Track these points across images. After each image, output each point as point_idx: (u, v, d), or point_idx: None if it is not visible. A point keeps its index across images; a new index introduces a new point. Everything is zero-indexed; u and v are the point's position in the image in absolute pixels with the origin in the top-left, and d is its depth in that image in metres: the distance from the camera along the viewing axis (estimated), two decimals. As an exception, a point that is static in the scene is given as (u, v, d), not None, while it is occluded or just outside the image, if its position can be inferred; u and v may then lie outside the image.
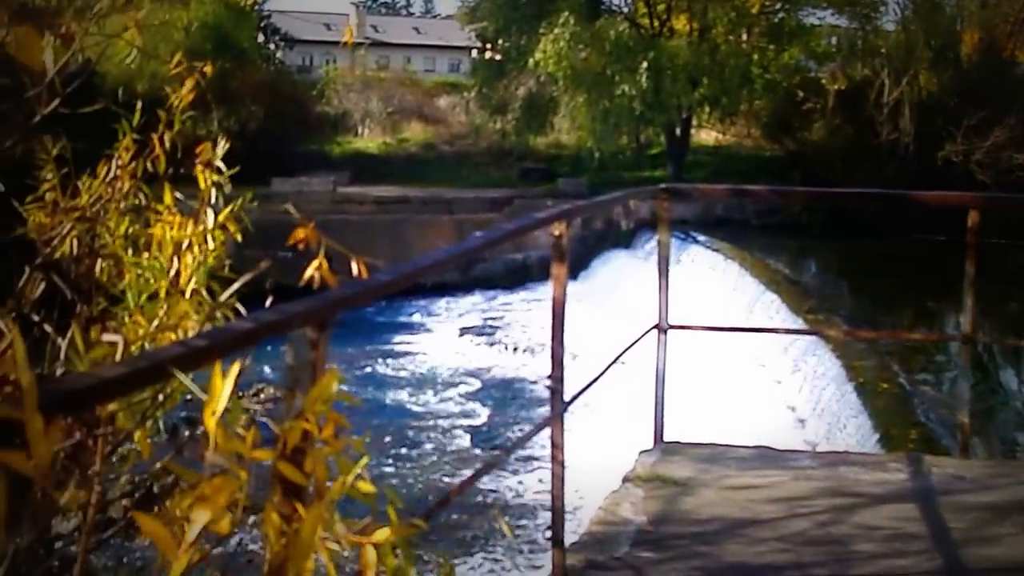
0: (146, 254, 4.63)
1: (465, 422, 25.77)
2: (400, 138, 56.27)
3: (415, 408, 27.05)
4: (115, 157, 4.87)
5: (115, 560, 5.44)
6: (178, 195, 4.74)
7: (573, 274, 32.37)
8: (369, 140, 56.32)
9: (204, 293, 4.51)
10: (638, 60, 42.03)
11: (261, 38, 59.94)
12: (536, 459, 20.54)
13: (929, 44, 43.23)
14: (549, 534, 5.89)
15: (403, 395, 28.12)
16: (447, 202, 43.80)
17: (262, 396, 4.74)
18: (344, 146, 54.63)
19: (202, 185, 4.73)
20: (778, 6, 46.79)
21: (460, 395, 28.20)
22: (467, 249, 6.15)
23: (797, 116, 44.83)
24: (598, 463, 17.04)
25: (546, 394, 6.03)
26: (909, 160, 39.60)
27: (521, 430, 24.71)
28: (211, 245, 4.62)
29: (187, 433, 4.06)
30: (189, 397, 4.40)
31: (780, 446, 9.00)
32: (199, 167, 4.78)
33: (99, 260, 4.77)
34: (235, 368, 2.46)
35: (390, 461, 22.18)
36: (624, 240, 39.87)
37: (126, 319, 4.41)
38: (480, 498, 19.44)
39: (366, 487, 2.57)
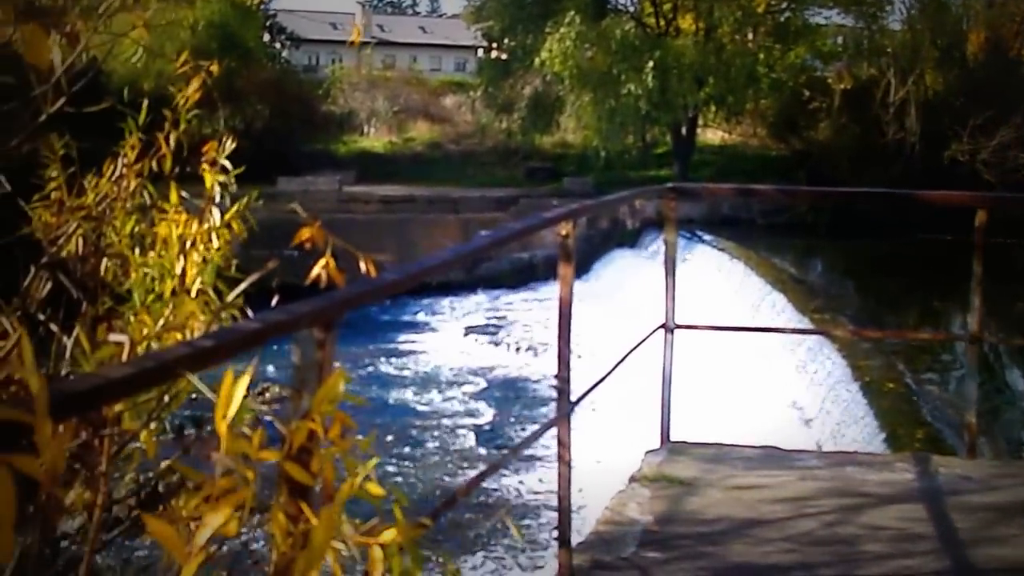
0: (152, 253, 4.63)
1: (470, 421, 25.74)
2: (406, 137, 56.29)
3: (420, 407, 27.01)
4: (121, 156, 4.86)
5: (119, 559, 5.43)
6: (183, 194, 4.73)
7: (578, 273, 32.38)
8: (375, 139, 56.33)
9: (211, 293, 4.50)
10: (644, 59, 42.01)
11: (267, 37, 59.95)
12: (540, 459, 20.50)
13: (935, 43, 43.18)
14: (554, 534, 5.88)
15: (408, 394, 28.07)
16: (453, 201, 43.81)
17: (267, 395, 4.73)
18: (350, 145, 54.65)
19: (207, 184, 4.73)
20: (784, 5, 46.74)
21: (465, 394, 28.16)
22: (474, 249, 6.15)
23: (803, 115, 44.77)
24: (604, 462, 17.06)
25: (552, 393, 6.03)
26: (915, 159, 39.55)
27: (523, 428, 24.72)
28: (216, 244, 4.61)
29: (193, 433, 4.05)
30: (194, 396, 4.40)
31: (786, 446, 9.00)
32: (205, 166, 4.78)
33: (105, 259, 4.76)
34: (248, 373, 2.46)
35: (394, 460, 22.16)
36: (629, 239, 39.85)
37: (131, 318, 4.40)
38: (484, 498, 19.42)
39: (375, 489, 2.56)
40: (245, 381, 2.39)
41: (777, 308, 24.91)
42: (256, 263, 4.40)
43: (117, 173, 4.86)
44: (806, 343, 21.59)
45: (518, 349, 32.75)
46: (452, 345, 33.52)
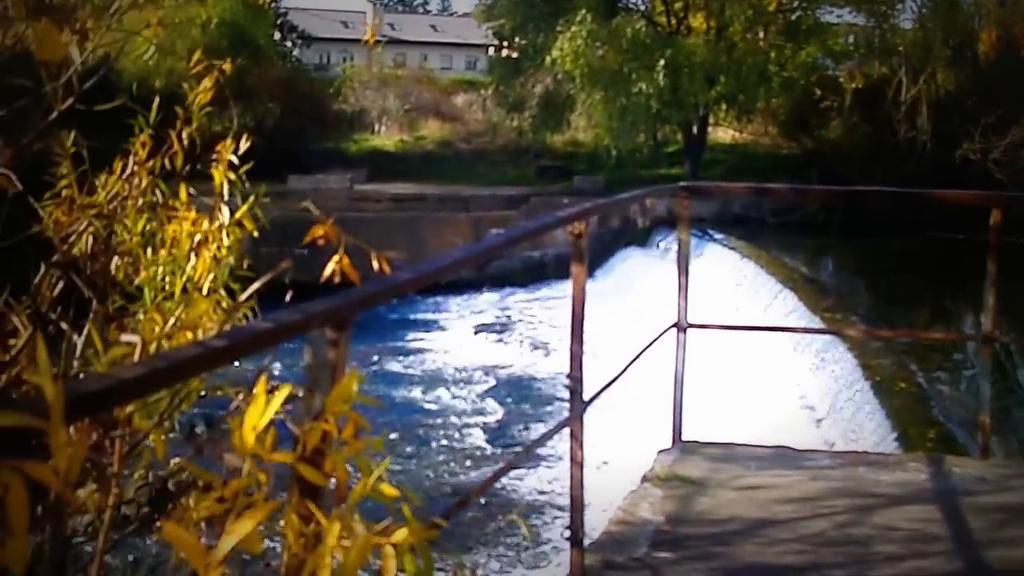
0: (162, 251, 4.62)
1: (479, 420, 25.70)
2: (417, 136, 56.32)
3: (428, 406, 26.98)
4: (132, 153, 4.85)
5: (126, 557, 5.43)
6: (191, 191, 4.72)
7: (589, 272, 32.31)
8: (386, 138, 56.36)
9: (222, 291, 4.49)
10: (655, 58, 42.00)
11: (278, 35, 60.01)
12: (546, 458, 20.48)
13: (947, 42, 43.12)
14: (564, 533, 5.86)
15: (416, 392, 28.03)
16: (464, 200, 43.79)
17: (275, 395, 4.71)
18: (361, 144, 54.67)
19: (217, 181, 4.72)
20: (795, 4, 46.70)
21: (474, 393, 28.11)
22: (487, 248, 6.13)
23: (814, 114, 44.76)
24: (615, 461, 17.04)
25: (562, 392, 6.02)
26: (927, 158, 39.50)
27: (532, 427, 24.70)
28: (227, 241, 4.60)
29: (204, 433, 4.04)
30: (203, 393, 4.39)
31: (797, 445, 8.98)
32: (215, 164, 4.76)
33: (115, 257, 4.74)
34: (284, 392, 2.44)
35: (401, 459, 22.12)
36: (640, 238, 39.75)
37: (142, 317, 4.39)
38: (492, 497, 19.38)
39: (388, 490, 2.55)
40: (281, 398, 2.39)
41: (788, 307, 24.86)
42: (267, 261, 4.38)
43: (128, 171, 4.84)
44: (817, 342, 21.55)
45: (528, 348, 32.73)
46: (462, 343, 33.47)
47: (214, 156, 4.79)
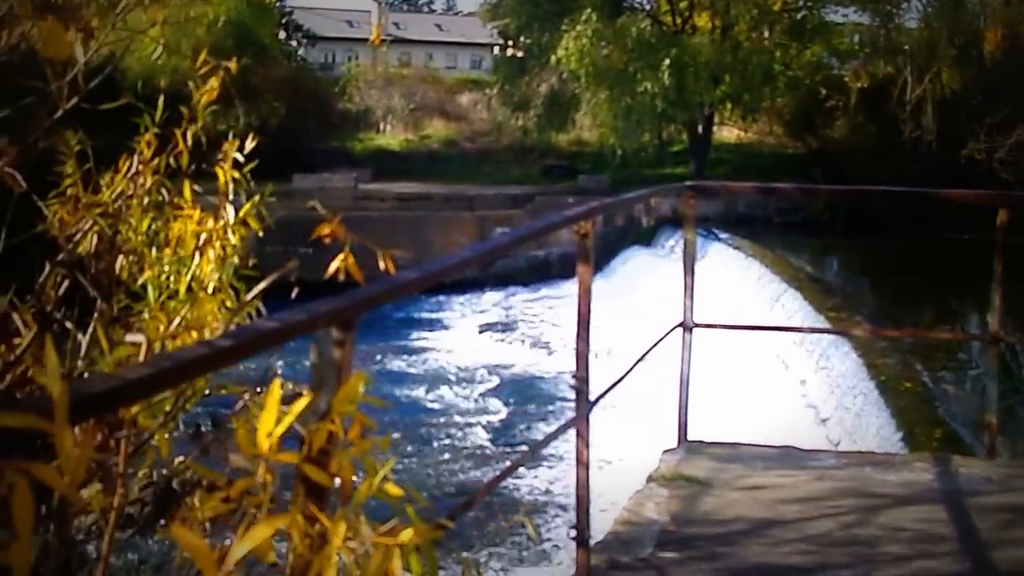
0: (167, 250, 4.61)
1: (483, 419, 25.70)
2: (422, 135, 56.33)
3: (433, 405, 26.98)
4: (137, 152, 4.84)
5: (130, 557, 5.42)
6: (196, 188, 4.71)
7: (594, 271, 32.32)
8: (391, 137, 56.37)
9: (228, 290, 4.48)
10: (660, 57, 42.00)
11: (283, 35, 60.04)
12: (551, 457, 20.47)
13: (952, 41, 43.13)
14: (571, 533, 5.85)
15: (420, 391, 28.03)
16: (469, 199, 43.76)
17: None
18: (366, 143, 54.69)
19: (221, 180, 4.71)
20: (800, 3, 46.68)
21: (479, 392, 28.12)
22: (494, 247, 6.13)
23: (819, 114, 44.79)
24: (619, 461, 17.04)
25: (566, 392, 6.01)
26: (932, 158, 39.52)
27: (536, 426, 24.69)
28: (232, 240, 4.59)
29: (210, 433, 4.03)
30: (208, 392, 4.38)
31: (802, 445, 8.96)
32: (220, 163, 4.75)
33: (120, 256, 4.74)
34: (303, 402, 2.44)
35: (405, 458, 22.11)
36: (645, 237, 39.74)
37: (147, 317, 4.38)
38: (496, 497, 19.36)
39: (394, 490, 2.53)
40: (301, 405, 2.38)
41: (794, 306, 24.83)
42: (272, 259, 4.38)
43: (133, 170, 4.83)
44: (822, 341, 21.54)
45: (532, 347, 32.73)
46: (465, 342, 33.48)
47: (219, 155, 4.79)
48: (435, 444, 23.72)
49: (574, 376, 5.75)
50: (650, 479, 7.34)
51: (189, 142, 4.88)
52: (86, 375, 4.18)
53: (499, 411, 26.39)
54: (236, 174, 4.71)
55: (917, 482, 7.42)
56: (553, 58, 43.85)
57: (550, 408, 26.18)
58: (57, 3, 4.52)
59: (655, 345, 7.34)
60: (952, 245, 30.42)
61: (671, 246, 35.96)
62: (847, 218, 37.34)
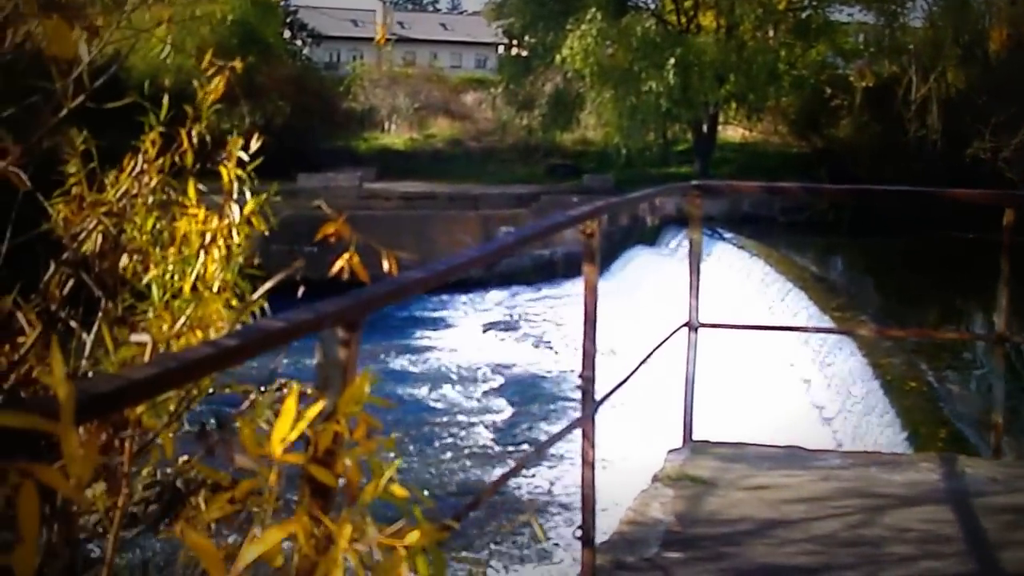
0: (172, 249, 4.60)
1: (487, 418, 25.70)
2: (427, 134, 56.38)
3: (436, 404, 26.97)
4: (142, 151, 4.83)
5: (133, 556, 5.41)
6: (200, 187, 4.70)
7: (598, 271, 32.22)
8: (396, 136, 56.43)
9: (232, 290, 4.47)
10: (665, 56, 42.02)
11: (288, 34, 60.02)
12: (553, 456, 20.46)
13: (957, 41, 43.08)
14: (576, 533, 5.84)
15: (423, 390, 28.01)
16: (473, 198, 43.73)
17: (286, 392, 4.69)
18: (371, 142, 54.74)
19: (225, 179, 4.70)
20: (805, 3, 46.76)
21: (482, 391, 28.11)
22: (500, 247, 6.10)
23: (824, 113, 44.78)
24: (623, 460, 17.00)
25: (570, 391, 5.99)
26: (937, 157, 39.47)
27: (534, 425, 24.69)
28: (236, 239, 4.58)
29: (215, 433, 4.02)
30: (212, 391, 4.37)
31: (807, 444, 8.95)
32: (224, 162, 4.74)
33: (125, 256, 4.73)
34: (316, 408, 2.43)
35: (410, 457, 22.09)
36: (649, 237, 39.69)
37: (151, 316, 4.37)
38: (499, 496, 19.35)
39: (400, 491, 2.52)
40: (314, 411, 2.38)
41: (799, 306, 24.81)
42: (276, 258, 4.38)
43: (138, 169, 4.82)
44: (826, 341, 21.52)
45: (536, 346, 32.71)
46: (470, 342, 33.46)
47: (224, 154, 4.78)
48: (438, 443, 23.71)
49: (580, 376, 5.74)
50: (655, 479, 7.33)
51: (194, 141, 4.87)
52: (91, 375, 4.18)
53: (502, 410, 26.38)
54: (241, 172, 4.70)
55: (923, 482, 7.40)
56: (558, 57, 43.86)
57: (553, 407, 26.18)
58: (62, 2, 4.51)
59: (660, 345, 7.33)
60: (957, 245, 30.42)
61: (675, 245, 35.94)
62: (852, 217, 37.31)
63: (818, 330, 21.45)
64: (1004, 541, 6.34)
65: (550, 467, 20.51)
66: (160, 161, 4.83)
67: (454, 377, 29.52)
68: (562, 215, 6.00)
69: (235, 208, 4.64)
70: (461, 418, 25.72)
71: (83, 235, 4.73)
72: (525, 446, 22.83)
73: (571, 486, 19.49)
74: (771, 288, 27.22)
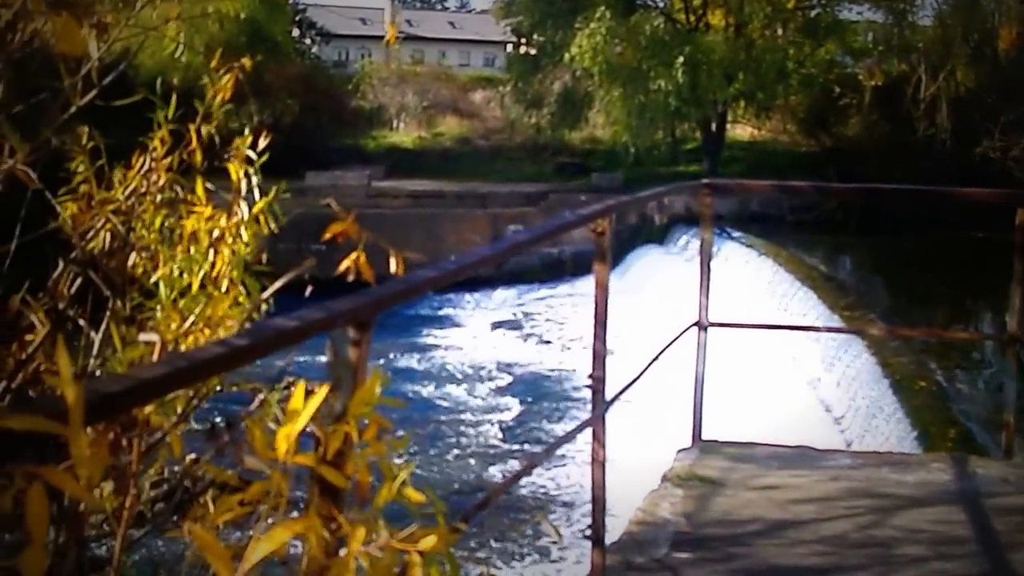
0: (180, 247, 4.59)
1: (495, 416, 25.67)
2: (435, 132, 56.35)
3: (444, 402, 26.95)
4: (150, 149, 4.82)
5: (141, 556, 5.40)
6: (208, 186, 4.69)
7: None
8: (404, 134, 56.41)
9: (241, 288, 4.46)
10: (674, 55, 41.97)
11: (296, 32, 60.05)
12: (558, 456, 20.43)
13: (966, 40, 43.03)
14: (586, 532, 5.82)
15: (432, 389, 28.00)
16: (482, 196, 43.71)
17: (294, 391, 4.66)
18: (379, 140, 54.75)
19: (234, 177, 4.68)
20: (814, 1, 46.66)
21: (491, 390, 28.09)
22: (511, 246, 6.08)
23: (833, 112, 44.76)
24: (633, 459, 16.98)
25: (580, 390, 5.97)
26: (946, 156, 39.42)
27: (543, 424, 24.68)
28: (245, 237, 4.57)
29: (224, 432, 4.00)
30: (220, 388, 4.36)
31: (816, 444, 8.92)
32: (231, 160, 4.73)
33: (133, 254, 4.71)
34: (320, 394, 2.41)
35: (418, 455, 22.07)
36: (657, 236, 39.65)
37: (159, 315, 4.36)
38: (507, 496, 19.32)
39: (414, 494, 2.50)
40: (317, 402, 2.35)
41: (808, 305, 24.77)
42: (285, 257, 4.36)
43: (146, 167, 4.81)
44: (835, 340, 21.48)
45: (545, 345, 32.68)
46: (479, 340, 33.45)
47: (232, 152, 4.76)
48: (446, 441, 23.68)
49: (590, 376, 5.71)
50: (664, 479, 7.31)
51: (203, 139, 4.86)
52: (100, 374, 4.16)
53: (510, 408, 26.36)
54: (249, 169, 4.68)
55: (934, 482, 7.38)
56: (567, 56, 43.84)
57: (561, 406, 26.16)
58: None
59: (670, 344, 7.30)
60: (966, 244, 30.39)
61: (684, 244, 35.92)
62: (861, 216, 37.25)
63: (827, 329, 21.40)
64: (1016, 542, 6.32)
65: (558, 467, 20.47)
66: (169, 159, 4.81)
67: (461, 375, 29.51)
68: (573, 214, 5.98)
69: (244, 206, 4.63)
70: (468, 416, 25.71)
71: (91, 233, 4.71)
72: (531, 444, 22.80)
73: (576, 486, 19.49)
74: (780, 287, 27.17)
